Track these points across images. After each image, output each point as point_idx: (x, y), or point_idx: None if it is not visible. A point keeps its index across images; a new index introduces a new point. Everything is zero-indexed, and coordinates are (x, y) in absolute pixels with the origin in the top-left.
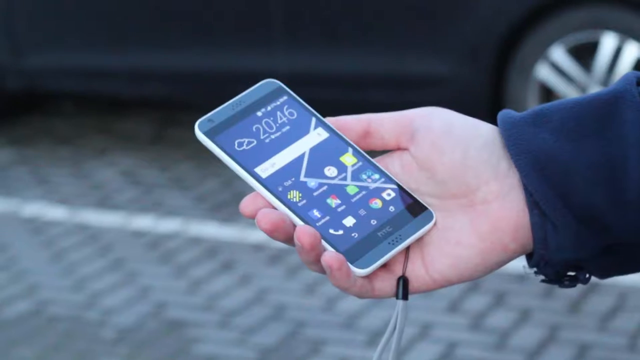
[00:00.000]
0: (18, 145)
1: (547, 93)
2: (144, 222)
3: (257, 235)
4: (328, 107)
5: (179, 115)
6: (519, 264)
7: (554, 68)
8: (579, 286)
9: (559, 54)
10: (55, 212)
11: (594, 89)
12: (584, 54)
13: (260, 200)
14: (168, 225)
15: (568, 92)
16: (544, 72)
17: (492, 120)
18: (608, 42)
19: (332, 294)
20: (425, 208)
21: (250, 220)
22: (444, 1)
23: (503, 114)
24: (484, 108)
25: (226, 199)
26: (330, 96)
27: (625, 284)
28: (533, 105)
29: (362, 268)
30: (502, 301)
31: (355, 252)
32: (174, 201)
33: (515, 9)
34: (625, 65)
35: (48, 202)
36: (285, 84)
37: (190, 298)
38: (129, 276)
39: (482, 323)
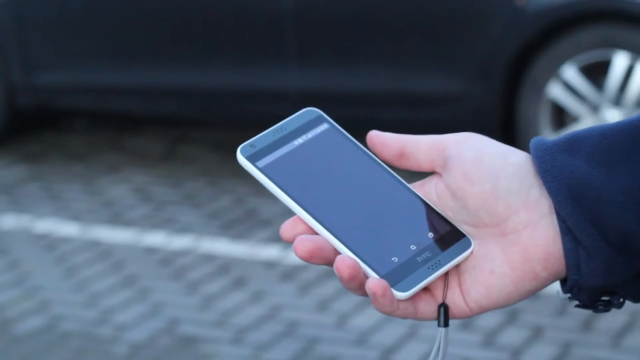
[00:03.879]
0: (31, 162)
1: (559, 112)
2: (156, 238)
3: (269, 252)
4: (340, 125)
5: (191, 133)
6: None
7: (566, 87)
8: None
9: (571, 72)
10: (67, 229)
11: (606, 107)
12: (596, 72)
13: (300, 225)
14: (180, 242)
15: (580, 111)
16: (555, 91)
17: (504, 139)
18: (620, 61)
19: (344, 310)
20: (463, 235)
21: (262, 237)
22: (456, 19)
23: (535, 140)
24: (496, 126)
25: (238, 216)
26: (342, 114)
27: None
28: (544, 124)
29: (402, 292)
30: (514, 318)
31: (395, 275)
32: (186, 218)
33: (527, 27)
34: (637, 84)
35: (60, 218)
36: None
37: (203, 314)
38: (141, 292)
39: (495, 340)
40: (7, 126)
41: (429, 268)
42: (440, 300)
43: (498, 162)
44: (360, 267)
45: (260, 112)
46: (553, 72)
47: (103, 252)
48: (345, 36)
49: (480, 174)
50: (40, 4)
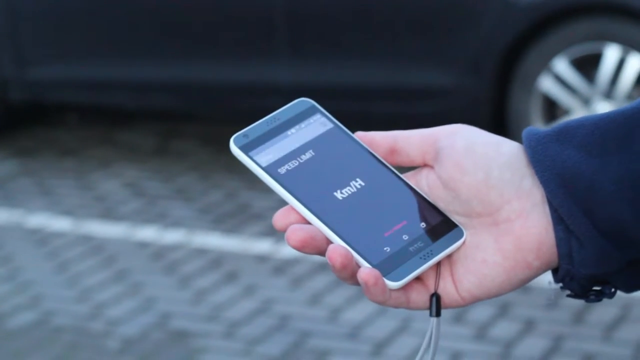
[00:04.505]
0: (22, 156)
1: (550, 105)
2: (148, 233)
3: (261, 246)
4: None
5: (183, 127)
6: None
7: (557, 80)
8: None
9: (562, 65)
10: (59, 223)
11: (597, 100)
12: (587, 65)
13: (293, 215)
14: (172, 236)
15: (571, 104)
16: (547, 84)
17: (495, 132)
18: (611, 53)
19: (336, 304)
20: (456, 225)
21: (254, 231)
22: (447, 13)
23: (528, 130)
24: (488, 120)
25: (230, 210)
26: (333, 108)
27: (630, 295)
28: (536, 117)
29: (394, 281)
30: (506, 311)
31: (387, 265)
32: (178, 212)
33: (518, 21)
34: (628, 76)
35: (52, 213)
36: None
37: (195, 308)
38: (133, 287)
39: (487, 333)
40: None
41: (421, 258)
42: (432, 290)
43: (490, 151)
44: (352, 256)
45: (251, 106)
46: (544, 65)
47: (95, 246)
48: (337, 30)
49: (472, 164)
50: None
